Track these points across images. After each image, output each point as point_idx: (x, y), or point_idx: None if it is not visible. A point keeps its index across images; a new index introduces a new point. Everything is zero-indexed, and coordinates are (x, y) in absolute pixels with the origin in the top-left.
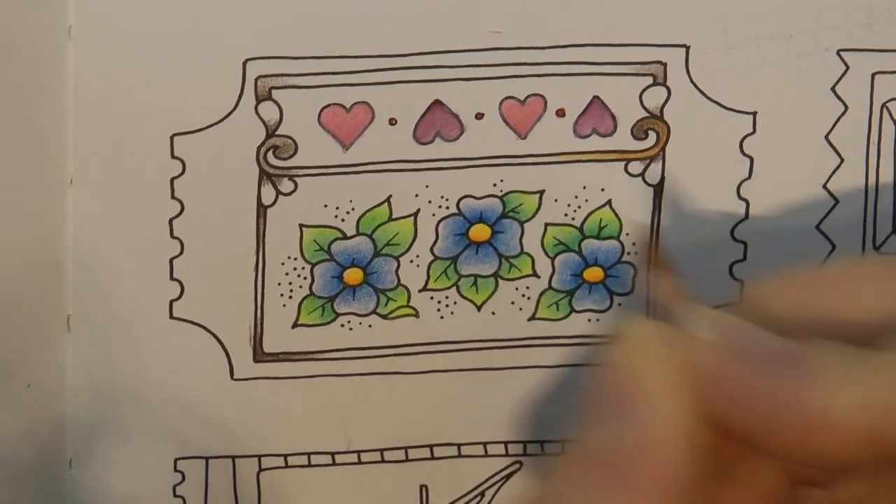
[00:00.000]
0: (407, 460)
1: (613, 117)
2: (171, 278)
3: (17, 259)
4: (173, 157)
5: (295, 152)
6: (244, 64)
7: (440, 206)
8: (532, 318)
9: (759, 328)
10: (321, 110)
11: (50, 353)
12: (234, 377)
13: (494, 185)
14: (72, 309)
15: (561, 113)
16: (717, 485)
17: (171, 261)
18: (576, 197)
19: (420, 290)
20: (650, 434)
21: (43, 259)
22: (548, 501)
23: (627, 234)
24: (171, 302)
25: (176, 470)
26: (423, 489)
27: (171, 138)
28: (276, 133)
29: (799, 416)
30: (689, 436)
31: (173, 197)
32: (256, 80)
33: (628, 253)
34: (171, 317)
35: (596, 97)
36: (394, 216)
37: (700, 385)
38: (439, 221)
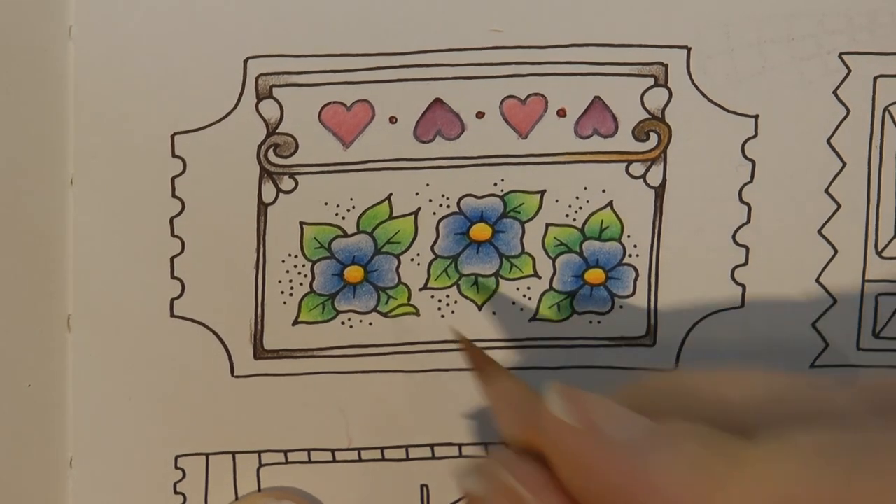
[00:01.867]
0: (407, 459)
1: (615, 118)
2: (172, 277)
3: (17, 259)
4: (174, 155)
5: (295, 150)
6: (245, 62)
7: (441, 205)
8: (533, 318)
9: (619, 406)
10: (322, 108)
11: (50, 353)
12: (235, 374)
13: (495, 184)
14: (72, 309)
15: (562, 113)
16: None
17: (171, 259)
18: (577, 198)
19: (420, 289)
20: None
21: (43, 259)
22: None
23: (629, 236)
24: (172, 300)
25: (176, 467)
26: (424, 488)
27: (172, 137)
28: (277, 131)
29: (662, 500)
30: None
31: (174, 195)
32: (257, 78)
33: (629, 255)
34: (172, 315)
35: (597, 98)
36: (394, 214)
37: (560, 465)
38: (440, 220)
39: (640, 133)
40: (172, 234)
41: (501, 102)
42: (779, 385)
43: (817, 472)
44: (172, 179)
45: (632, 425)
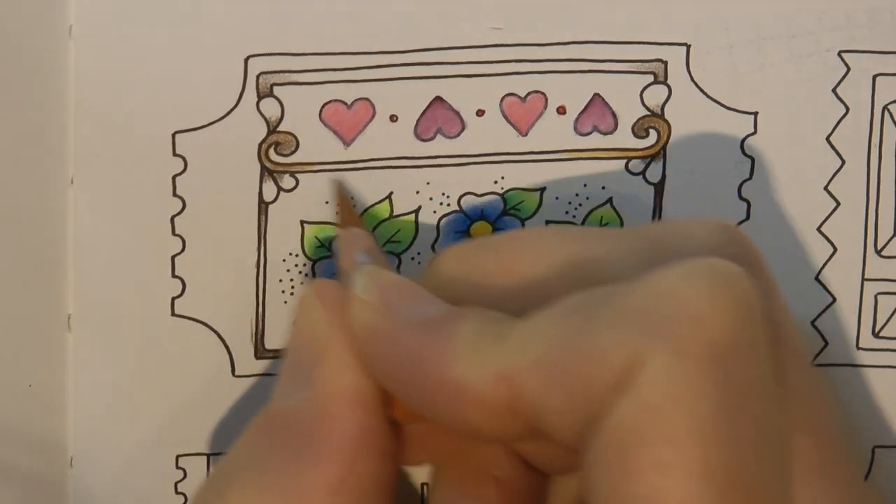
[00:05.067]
0: None
1: (614, 115)
2: (173, 276)
3: (17, 259)
4: (175, 154)
5: (296, 149)
6: (246, 61)
7: (441, 203)
8: None
9: (422, 290)
10: (322, 107)
11: (50, 353)
12: (236, 374)
13: (495, 182)
14: (72, 309)
15: (562, 110)
16: (453, 476)
17: (172, 258)
18: (577, 195)
19: None
20: (322, 399)
21: (43, 259)
22: (227, 467)
23: None
24: (173, 299)
25: (177, 467)
26: (424, 487)
27: (173, 136)
28: (278, 129)
29: (441, 387)
30: (356, 394)
31: (175, 194)
32: (258, 76)
33: None
34: (173, 314)
35: (597, 95)
36: (395, 213)
37: (356, 343)
38: (441, 219)
39: (639, 130)
40: (173, 233)
41: (501, 100)
42: (568, 250)
43: (566, 323)
44: (173, 178)
45: (426, 307)
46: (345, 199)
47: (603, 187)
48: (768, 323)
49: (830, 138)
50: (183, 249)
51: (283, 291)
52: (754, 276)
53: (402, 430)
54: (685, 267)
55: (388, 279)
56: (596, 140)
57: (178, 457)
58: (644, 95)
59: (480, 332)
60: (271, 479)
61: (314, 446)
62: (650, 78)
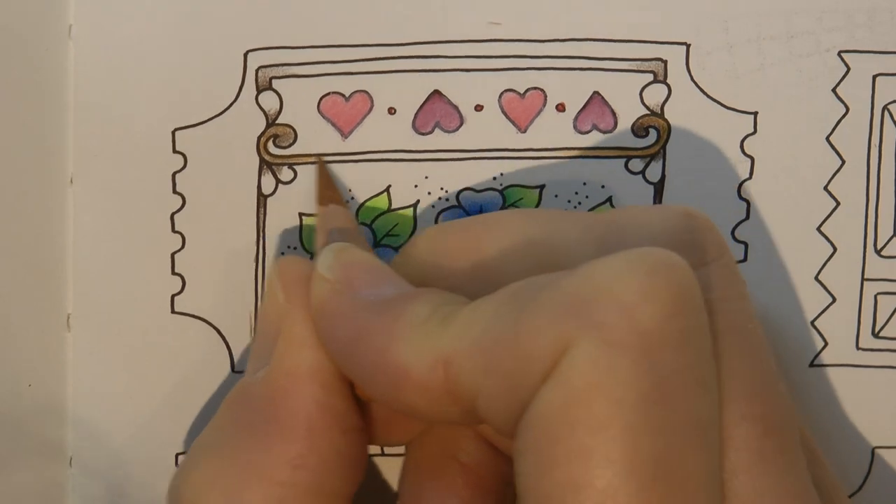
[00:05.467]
0: None
1: (614, 113)
2: (173, 273)
3: (17, 259)
4: (175, 151)
5: (294, 141)
6: (245, 55)
7: (440, 198)
8: None
9: (387, 270)
10: (321, 99)
11: (50, 353)
12: (236, 370)
13: (494, 178)
14: (72, 308)
15: (561, 107)
16: (419, 458)
17: (172, 255)
18: (576, 193)
19: None
20: (279, 375)
21: (43, 259)
22: (196, 446)
23: None
24: (173, 296)
25: (177, 465)
26: None
27: (173, 133)
28: (276, 122)
29: (382, 368)
30: (313, 370)
31: (175, 191)
32: (257, 70)
33: None
34: (173, 311)
35: (596, 93)
36: (393, 206)
37: (315, 320)
38: (439, 213)
39: (639, 129)
40: (173, 230)
41: (500, 96)
42: (529, 232)
43: (504, 309)
44: (173, 175)
45: (384, 287)
46: (326, 176)
47: (602, 186)
48: (711, 313)
49: (830, 138)
50: (182, 246)
51: None
52: (712, 262)
53: (369, 407)
54: (623, 256)
55: (353, 258)
56: (595, 138)
57: (177, 455)
58: (644, 94)
59: (428, 315)
60: (233, 455)
61: (273, 422)
62: (650, 77)
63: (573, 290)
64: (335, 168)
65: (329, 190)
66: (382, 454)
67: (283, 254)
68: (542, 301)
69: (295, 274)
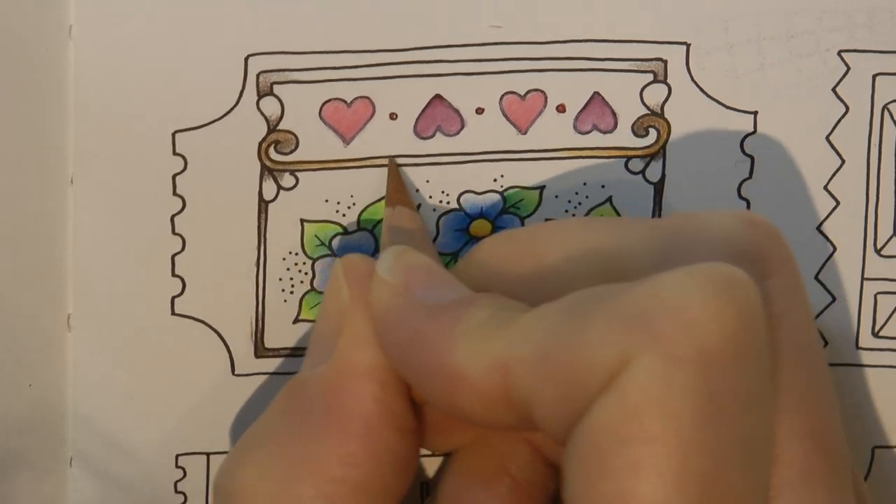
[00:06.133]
0: None
1: (614, 114)
2: (173, 275)
3: (17, 259)
4: (175, 153)
5: (296, 147)
6: (246, 60)
7: (441, 201)
8: None
9: (447, 275)
10: (322, 105)
11: (50, 353)
12: (236, 373)
13: (495, 180)
14: (72, 308)
15: (561, 109)
16: (470, 465)
17: (172, 257)
18: (576, 193)
19: None
20: (338, 371)
21: (43, 259)
22: (250, 435)
23: None
24: (173, 298)
25: (177, 466)
26: (424, 486)
27: (173, 135)
28: (278, 128)
29: (438, 370)
30: (372, 368)
31: (175, 193)
32: (258, 75)
33: None
34: (173, 313)
35: (596, 93)
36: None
37: (374, 321)
38: (440, 216)
39: (639, 129)
40: (173, 232)
41: (501, 98)
42: (590, 241)
43: (565, 318)
44: (173, 177)
45: (444, 291)
46: (397, 178)
47: (602, 186)
48: (772, 329)
49: (830, 138)
50: (183, 248)
51: (282, 290)
52: (776, 274)
53: (423, 411)
54: (689, 271)
55: (414, 261)
56: (595, 139)
57: (177, 456)
58: (644, 94)
59: (486, 319)
60: (286, 448)
61: (329, 418)
62: (650, 77)
63: (637, 303)
64: (335, 175)
65: (398, 192)
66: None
67: (283, 259)
68: (605, 312)
69: (359, 273)
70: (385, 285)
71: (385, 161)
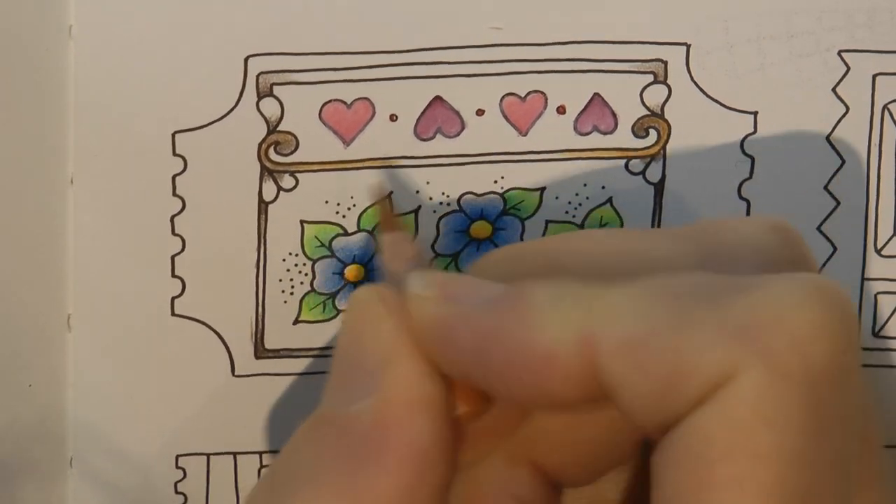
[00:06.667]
0: None
1: (614, 115)
2: (173, 275)
3: (17, 259)
4: (175, 154)
5: (296, 148)
6: (245, 61)
7: (441, 203)
8: None
9: (477, 279)
10: (322, 106)
11: (50, 353)
12: (236, 374)
13: (495, 181)
14: (72, 309)
15: (562, 110)
16: (475, 480)
17: (172, 258)
18: (576, 194)
19: None
20: (391, 406)
21: (43, 259)
22: (282, 476)
23: None
24: (173, 299)
25: (177, 467)
26: None
27: (173, 136)
28: (278, 129)
29: (523, 359)
30: (428, 399)
31: (175, 194)
32: (258, 76)
33: None
34: (173, 314)
35: (597, 94)
36: (395, 213)
37: (424, 342)
38: (440, 218)
39: (639, 129)
40: (173, 233)
41: (501, 100)
42: (625, 248)
43: (663, 307)
44: (173, 178)
45: (488, 290)
46: (385, 204)
47: (603, 187)
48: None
49: (830, 138)
50: (183, 249)
51: (282, 291)
52: None
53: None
54: (795, 283)
55: (442, 275)
56: (596, 140)
57: (177, 457)
58: (644, 95)
59: (556, 296)
60: (338, 489)
61: (384, 454)
62: (650, 78)
63: (745, 313)
64: (335, 177)
65: (390, 223)
66: None
67: (283, 260)
68: (711, 319)
69: (397, 304)
70: (427, 301)
71: (385, 161)
